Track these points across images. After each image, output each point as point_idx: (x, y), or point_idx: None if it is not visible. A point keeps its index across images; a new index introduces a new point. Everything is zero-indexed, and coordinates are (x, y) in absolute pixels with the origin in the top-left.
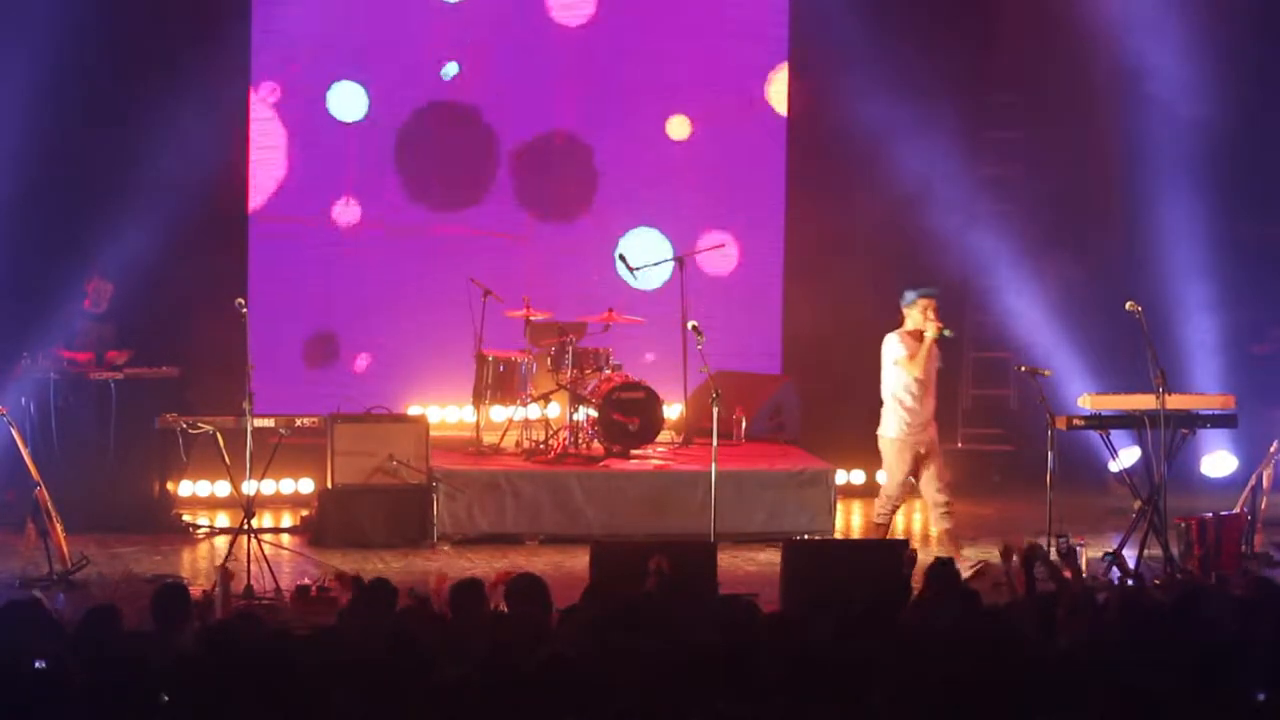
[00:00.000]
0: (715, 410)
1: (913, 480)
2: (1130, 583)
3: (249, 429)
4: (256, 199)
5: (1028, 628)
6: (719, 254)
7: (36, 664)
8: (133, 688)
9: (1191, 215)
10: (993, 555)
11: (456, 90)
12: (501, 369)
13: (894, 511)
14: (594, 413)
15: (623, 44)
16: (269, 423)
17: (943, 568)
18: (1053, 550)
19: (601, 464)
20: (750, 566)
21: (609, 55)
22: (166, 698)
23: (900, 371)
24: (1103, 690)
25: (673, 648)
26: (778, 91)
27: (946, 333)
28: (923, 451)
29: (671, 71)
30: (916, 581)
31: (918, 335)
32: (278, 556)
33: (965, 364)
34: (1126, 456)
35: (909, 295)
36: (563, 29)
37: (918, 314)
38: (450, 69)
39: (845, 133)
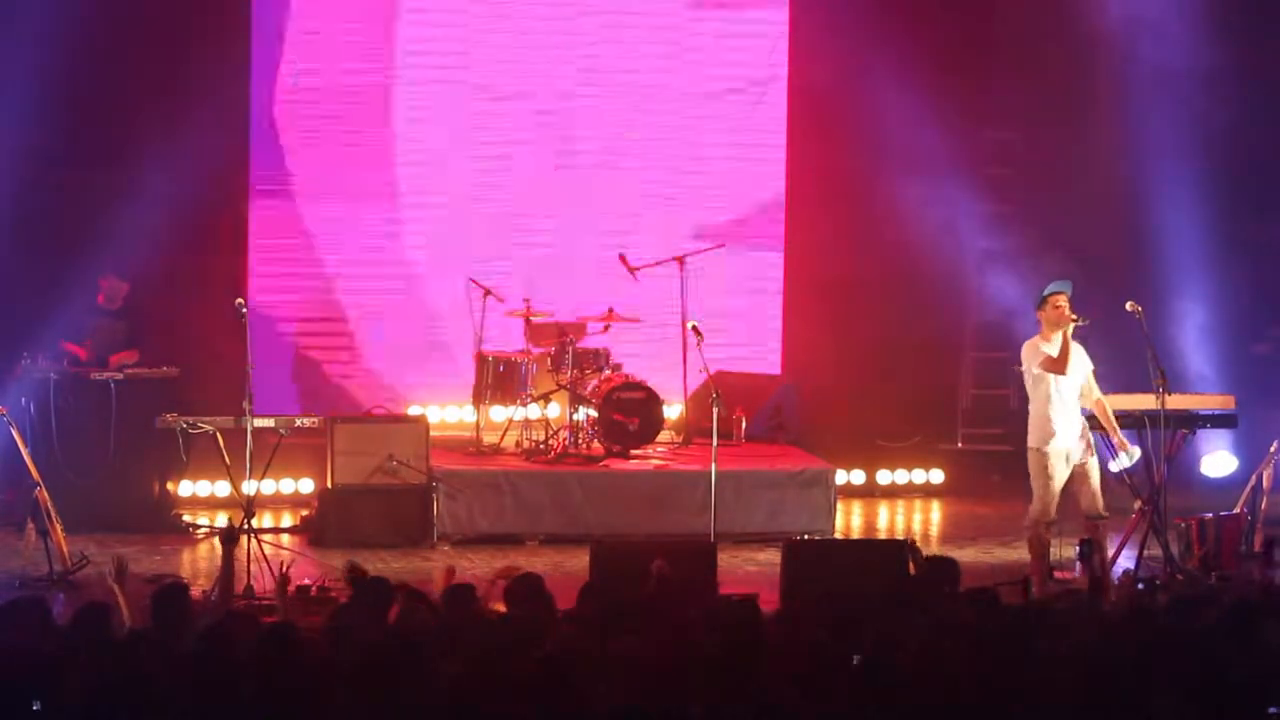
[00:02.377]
0: (715, 410)
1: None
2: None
3: (249, 429)
4: (257, 198)
5: (1042, 628)
6: (719, 254)
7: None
8: (128, 687)
9: (1192, 214)
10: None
11: (453, 89)
12: (501, 369)
13: (1046, 526)
14: (594, 413)
15: (623, 44)
16: (269, 423)
17: (948, 566)
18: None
19: (601, 464)
20: (750, 566)
21: (609, 56)
22: (167, 698)
23: (1037, 377)
24: (1100, 693)
25: (672, 648)
26: (779, 90)
27: (1080, 321)
28: (1075, 467)
29: (673, 72)
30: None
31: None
32: (278, 556)
33: (965, 364)
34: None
35: (1037, 298)
36: (559, 31)
37: (1050, 313)
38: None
39: (846, 132)
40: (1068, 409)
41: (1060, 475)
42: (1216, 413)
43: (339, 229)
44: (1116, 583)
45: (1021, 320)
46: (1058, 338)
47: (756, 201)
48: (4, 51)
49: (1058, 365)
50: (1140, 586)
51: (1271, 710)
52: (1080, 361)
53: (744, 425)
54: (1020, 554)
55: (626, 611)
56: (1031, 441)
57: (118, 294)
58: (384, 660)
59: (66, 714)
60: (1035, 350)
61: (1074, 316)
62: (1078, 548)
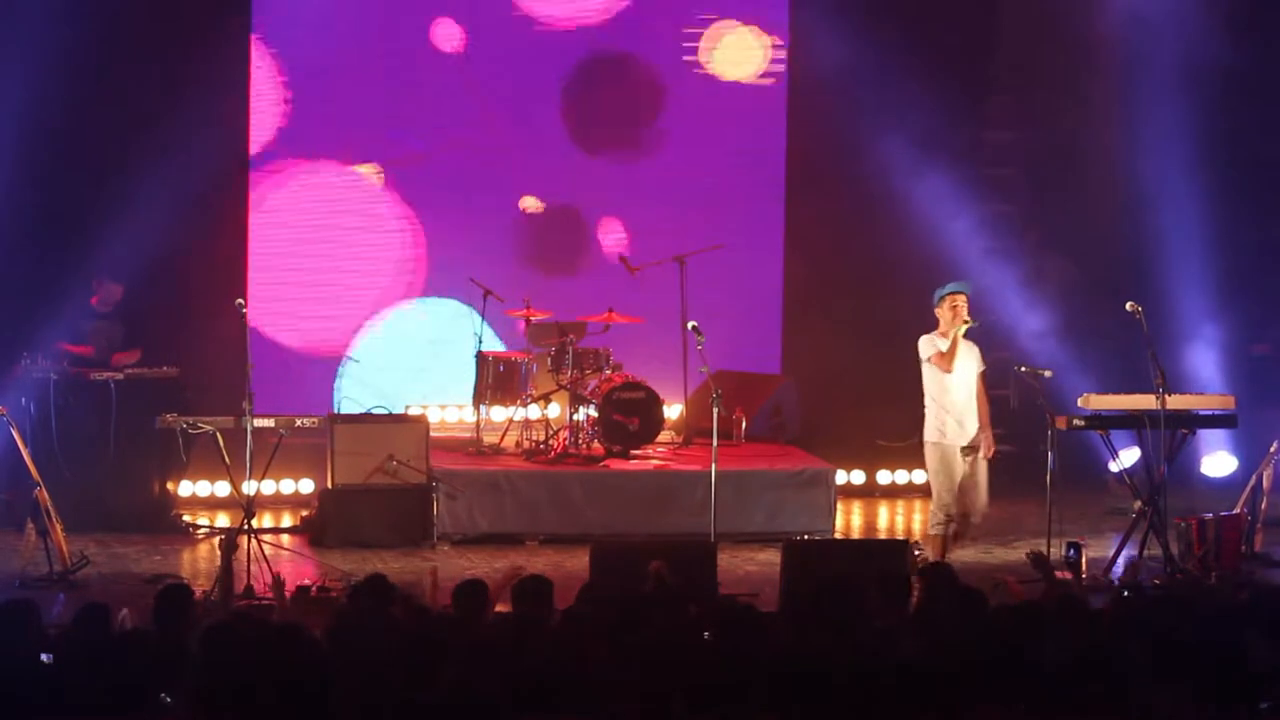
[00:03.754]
0: (715, 410)
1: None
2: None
3: (249, 429)
4: (258, 199)
5: (1032, 630)
6: (718, 254)
7: (44, 657)
8: (129, 687)
9: (1192, 215)
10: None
11: (454, 89)
12: (501, 369)
13: (948, 521)
14: (594, 413)
15: (624, 51)
16: (269, 423)
17: (940, 569)
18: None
19: (601, 464)
20: (750, 566)
21: (610, 60)
22: (168, 699)
23: (931, 371)
24: (1103, 696)
25: (672, 648)
26: (778, 92)
27: (967, 324)
28: (967, 459)
29: (674, 74)
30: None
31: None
32: (278, 556)
33: None
34: (1126, 456)
35: (935, 295)
36: (563, 32)
37: (946, 312)
38: None
39: (845, 132)
40: (960, 405)
41: (956, 469)
42: (1216, 413)
43: (339, 228)
44: (1119, 581)
45: (1021, 320)
46: (953, 335)
47: (757, 201)
48: (3, 52)
49: (945, 362)
50: (1126, 594)
51: (1263, 705)
52: (971, 360)
53: (744, 425)
54: (1020, 553)
55: (626, 611)
56: (928, 435)
57: (111, 297)
58: (387, 660)
59: (71, 714)
60: (930, 343)
61: (968, 319)
62: (1067, 551)
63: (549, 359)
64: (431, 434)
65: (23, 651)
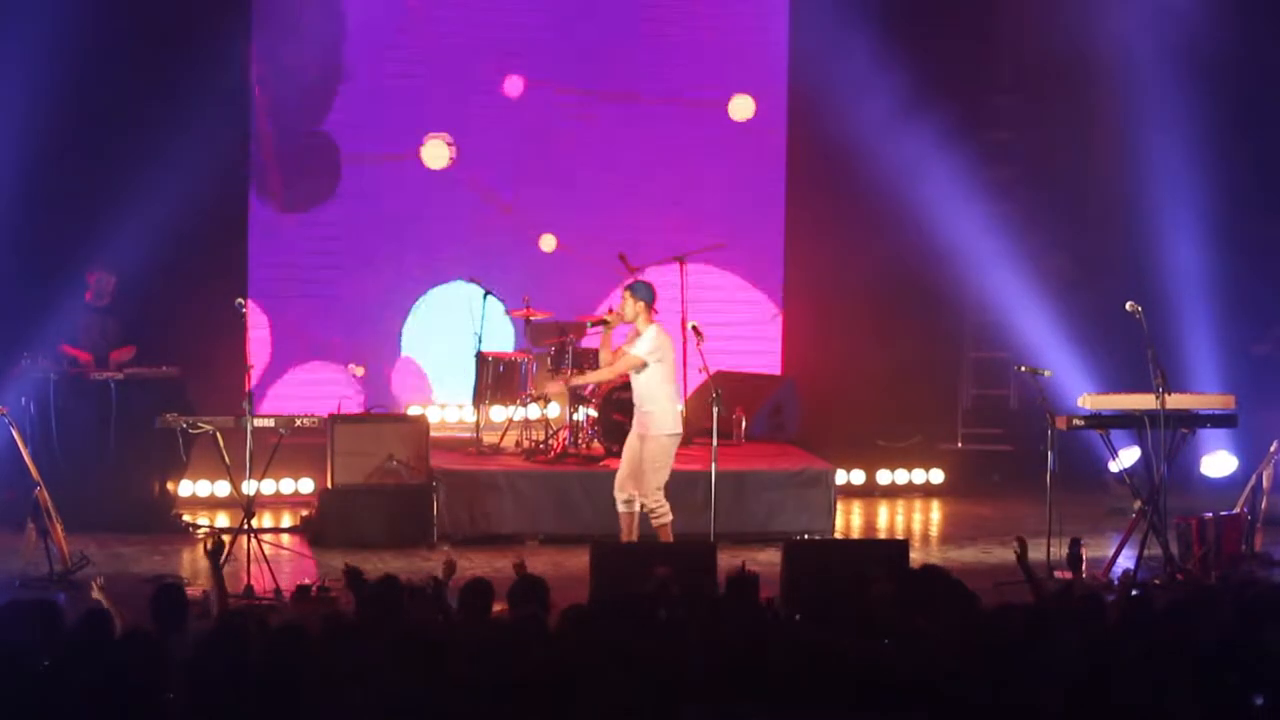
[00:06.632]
0: (715, 410)
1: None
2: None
3: (249, 429)
4: (258, 198)
5: (1026, 629)
6: (719, 254)
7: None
8: (131, 689)
9: (1192, 214)
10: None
11: (454, 90)
12: (501, 369)
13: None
14: (594, 413)
15: (626, 55)
16: (269, 423)
17: (932, 571)
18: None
19: (601, 464)
20: (751, 566)
21: (612, 64)
22: (170, 696)
23: None
24: (1100, 693)
25: (672, 648)
26: (779, 92)
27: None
28: None
29: (675, 79)
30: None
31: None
32: (278, 556)
33: (965, 364)
34: (1126, 456)
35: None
36: (562, 37)
37: None
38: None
39: (845, 134)
40: None
41: None
42: (1216, 413)
43: (339, 228)
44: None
45: (1020, 320)
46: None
47: (757, 202)
48: (3, 52)
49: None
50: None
51: (1259, 701)
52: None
53: (744, 425)
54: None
55: (627, 612)
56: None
57: (105, 288)
58: (393, 660)
59: (70, 715)
60: None
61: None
62: (1070, 548)
63: (549, 359)
64: (431, 434)
65: (44, 652)
